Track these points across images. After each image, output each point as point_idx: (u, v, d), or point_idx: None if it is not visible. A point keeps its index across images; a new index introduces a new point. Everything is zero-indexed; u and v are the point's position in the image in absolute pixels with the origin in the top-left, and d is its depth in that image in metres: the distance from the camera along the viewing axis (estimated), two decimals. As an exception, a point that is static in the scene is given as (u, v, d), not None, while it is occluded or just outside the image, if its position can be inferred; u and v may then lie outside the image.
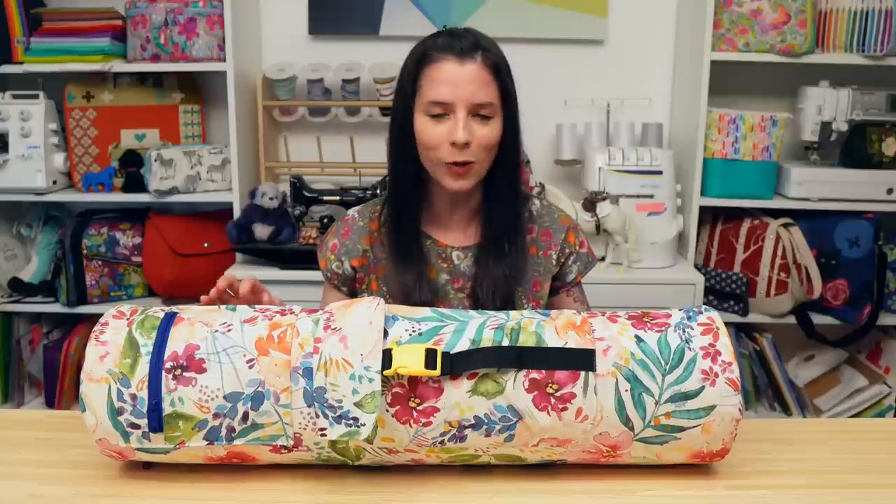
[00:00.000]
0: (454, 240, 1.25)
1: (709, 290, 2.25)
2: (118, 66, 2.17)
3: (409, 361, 0.83)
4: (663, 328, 0.89)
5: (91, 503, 0.86)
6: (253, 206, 2.16)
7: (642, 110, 2.37)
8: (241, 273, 2.11)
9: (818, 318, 2.22)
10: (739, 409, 0.86)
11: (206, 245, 2.29)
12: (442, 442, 0.87)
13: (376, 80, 2.26)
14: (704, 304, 2.17)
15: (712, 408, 0.86)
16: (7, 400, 2.34)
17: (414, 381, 0.85)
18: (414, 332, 0.87)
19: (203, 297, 1.05)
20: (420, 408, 0.85)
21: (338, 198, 2.19)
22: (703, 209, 2.24)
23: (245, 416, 0.85)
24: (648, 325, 0.90)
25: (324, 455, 0.89)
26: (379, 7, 2.33)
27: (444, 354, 0.85)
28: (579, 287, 1.32)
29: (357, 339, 0.84)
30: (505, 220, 1.21)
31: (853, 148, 2.22)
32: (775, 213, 2.22)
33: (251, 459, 0.90)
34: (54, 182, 2.24)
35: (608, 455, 0.89)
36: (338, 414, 0.82)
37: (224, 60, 2.15)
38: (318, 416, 0.82)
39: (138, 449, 0.87)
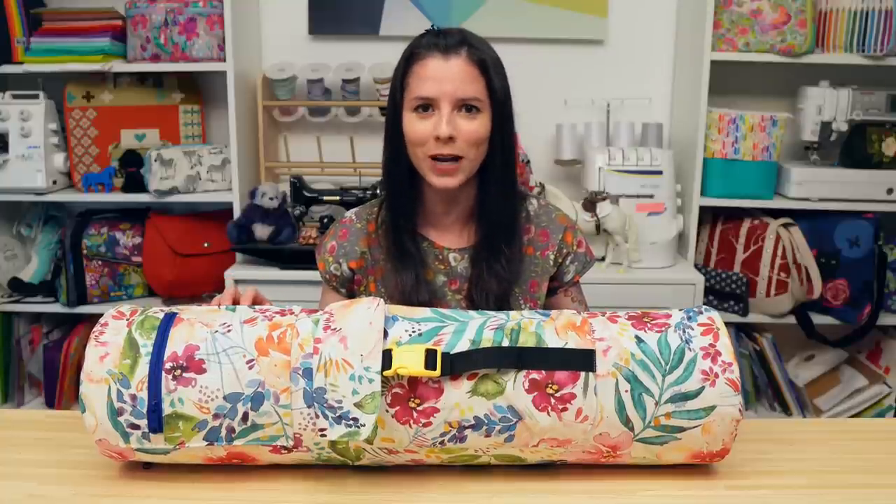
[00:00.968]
0: (451, 241, 1.25)
1: (709, 290, 2.25)
2: (118, 66, 2.17)
3: (409, 362, 0.83)
4: (663, 328, 0.89)
5: (91, 503, 0.86)
6: (253, 206, 2.16)
7: (642, 110, 2.37)
8: (242, 273, 2.11)
9: (818, 318, 2.22)
10: (739, 410, 0.86)
11: (206, 245, 2.29)
12: (442, 442, 0.87)
13: (376, 80, 2.26)
14: (704, 304, 2.17)
15: (712, 408, 0.86)
16: (7, 400, 2.34)
17: (414, 381, 0.85)
18: (414, 332, 0.87)
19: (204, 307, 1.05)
20: (420, 408, 0.85)
21: (338, 198, 2.19)
22: (703, 209, 2.24)
23: (245, 417, 0.85)
24: (648, 325, 0.90)
25: (324, 455, 0.89)
26: (379, 7, 2.33)
27: (444, 355, 0.85)
28: (577, 287, 1.32)
29: (357, 339, 0.84)
30: (499, 220, 1.21)
31: (853, 148, 2.22)
32: (775, 213, 2.22)
33: (251, 460, 0.90)
34: (54, 182, 2.24)
35: (608, 455, 0.89)
36: (338, 414, 0.82)
37: (224, 60, 2.15)
38: (318, 416, 0.82)
39: (138, 449, 0.87)
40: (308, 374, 0.83)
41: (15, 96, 2.20)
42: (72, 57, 2.14)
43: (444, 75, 1.12)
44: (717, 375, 0.86)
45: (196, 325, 0.88)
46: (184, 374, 0.85)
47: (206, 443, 0.86)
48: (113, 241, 2.28)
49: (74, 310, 2.24)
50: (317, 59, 2.32)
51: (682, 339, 0.88)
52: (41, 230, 2.37)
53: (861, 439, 1.04)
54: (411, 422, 0.85)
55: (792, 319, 2.21)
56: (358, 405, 0.82)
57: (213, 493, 0.88)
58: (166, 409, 0.84)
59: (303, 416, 0.84)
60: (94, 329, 0.88)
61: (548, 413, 0.85)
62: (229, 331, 0.87)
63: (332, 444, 0.87)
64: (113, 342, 0.86)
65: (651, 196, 2.17)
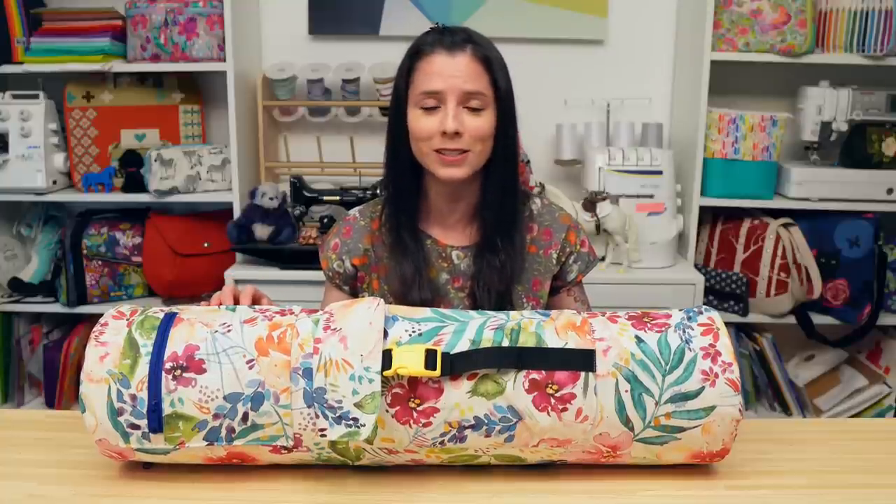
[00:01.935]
0: (454, 239, 1.25)
1: (709, 290, 2.25)
2: (118, 66, 2.17)
3: (409, 362, 0.83)
4: (663, 328, 0.89)
5: (91, 503, 0.86)
6: (253, 206, 2.16)
7: (642, 110, 2.37)
8: (242, 273, 2.11)
9: (818, 318, 2.22)
10: (739, 410, 0.86)
11: (206, 245, 2.29)
12: (442, 442, 0.87)
13: (376, 80, 2.26)
14: (704, 304, 2.17)
15: (712, 408, 0.86)
16: (7, 400, 2.34)
17: (414, 381, 0.85)
18: (414, 332, 0.87)
19: (202, 304, 1.05)
20: (420, 408, 0.85)
21: (338, 198, 2.19)
22: (703, 209, 2.24)
23: (245, 417, 0.85)
24: (648, 325, 0.90)
25: (324, 455, 0.89)
26: (379, 7, 2.33)
27: (444, 355, 0.85)
28: (580, 286, 1.32)
29: (357, 339, 0.84)
30: (502, 219, 1.21)
31: (853, 148, 2.22)
32: (775, 213, 2.22)
33: (251, 460, 0.90)
34: (54, 182, 2.24)
35: (608, 455, 0.89)
36: (338, 414, 0.82)
37: (224, 60, 2.15)
38: (317, 416, 0.82)
39: (138, 449, 0.87)
40: (308, 374, 0.83)
41: (15, 96, 2.20)
42: (72, 57, 2.14)
43: (450, 71, 1.13)
44: (717, 375, 0.86)
45: (196, 325, 0.88)
46: (184, 374, 0.85)
47: (206, 443, 0.86)
48: (113, 241, 2.28)
49: (74, 310, 2.24)
50: (317, 59, 2.32)
51: (682, 339, 0.88)
52: (41, 230, 2.37)
53: (861, 439, 1.04)
54: (411, 422, 0.85)
55: (792, 319, 2.21)
56: (358, 405, 0.82)
57: (213, 493, 0.88)
58: (166, 409, 0.84)
59: (303, 416, 0.84)
60: (94, 329, 0.88)
61: (548, 413, 0.85)
62: (229, 331, 0.87)
63: (332, 444, 0.87)
64: (113, 342, 0.86)
65: (651, 196, 2.17)
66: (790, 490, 0.89)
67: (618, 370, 0.86)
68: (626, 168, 2.16)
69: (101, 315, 0.92)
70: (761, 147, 2.16)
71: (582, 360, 0.85)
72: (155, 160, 2.17)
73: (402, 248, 1.22)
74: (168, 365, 0.85)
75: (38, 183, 2.19)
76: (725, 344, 0.88)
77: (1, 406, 2.31)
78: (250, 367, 0.85)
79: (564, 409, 0.85)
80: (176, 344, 0.86)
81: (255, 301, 1.06)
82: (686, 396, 0.86)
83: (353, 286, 1.29)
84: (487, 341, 0.87)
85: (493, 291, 1.20)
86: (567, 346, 0.86)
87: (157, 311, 0.91)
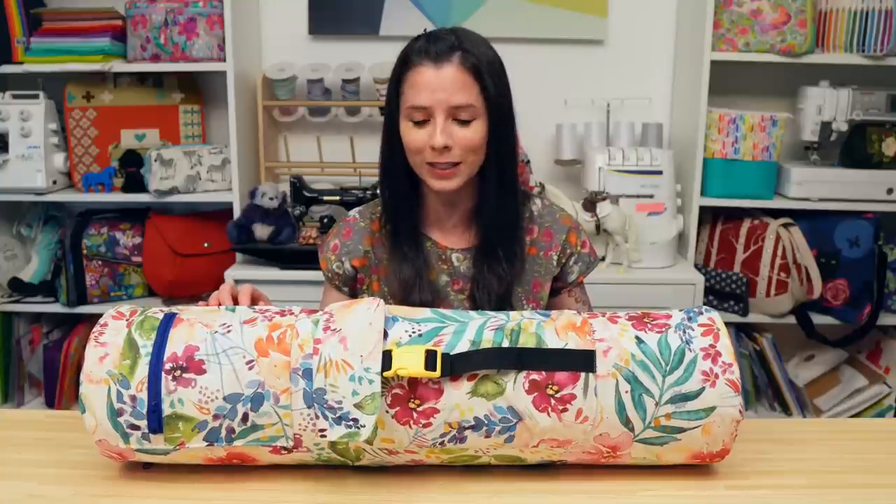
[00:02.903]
0: (454, 242, 1.25)
1: (709, 290, 2.25)
2: (118, 66, 2.17)
3: (409, 362, 0.83)
4: (664, 329, 0.89)
5: (91, 503, 0.86)
6: (253, 206, 2.16)
7: (642, 110, 2.37)
8: (242, 273, 2.11)
9: (818, 318, 2.22)
10: (740, 411, 0.86)
11: (206, 245, 2.29)
12: (442, 443, 0.87)
13: (376, 80, 2.26)
14: (704, 304, 2.17)
15: (712, 409, 0.86)
16: (7, 400, 2.34)
17: (414, 382, 0.85)
18: (414, 333, 0.87)
19: (201, 304, 1.05)
20: (420, 409, 0.85)
21: (338, 198, 2.19)
22: (703, 209, 2.24)
23: (245, 418, 0.85)
24: (649, 325, 0.90)
25: (324, 456, 0.89)
26: (379, 7, 2.33)
27: (444, 356, 0.85)
28: (581, 287, 1.32)
29: (357, 340, 0.84)
30: (500, 221, 1.20)
31: (853, 148, 2.22)
32: (775, 213, 2.21)
33: (251, 460, 0.90)
34: (54, 182, 2.24)
35: (608, 456, 0.89)
36: (338, 415, 0.82)
37: (224, 60, 2.15)
38: (317, 417, 0.82)
39: (138, 450, 0.87)
40: (308, 374, 0.83)
41: (15, 96, 2.20)
42: (72, 57, 2.14)
43: (437, 84, 1.11)
44: (717, 376, 0.86)
45: (196, 326, 0.88)
46: (184, 375, 0.85)
47: (206, 443, 0.86)
48: (113, 241, 2.28)
49: (74, 310, 2.24)
50: (317, 59, 2.32)
51: (682, 339, 0.88)
52: (41, 230, 2.37)
53: (861, 439, 1.04)
54: (411, 422, 0.85)
55: (792, 319, 2.21)
56: (358, 406, 0.82)
57: (213, 493, 0.88)
58: (166, 410, 0.84)
59: (303, 417, 0.84)
60: (94, 329, 0.88)
61: (548, 414, 0.85)
62: (229, 331, 0.87)
63: (332, 444, 0.87)
64: (113, 343, 0.86)
65: (651, 196, 2.17)
66: (790, 490, 0.89)
67: (618, 371, 0.86)
68: (626, 168, 2.16)
69: (101, 315, 0.92)
70: (761, 147, 2.16)
71: (582, 361, 0.85)
72: (155, 160, 2.17)
73: (401, 252, 1.21)
74: (168, 365, 0.85)
75: (38, 183, 2.19)
76: (726, 344, 0.88)
77: (1, 406, 2.31)
78: (250, 368, 0.85)
79: (564, 410, 0.85)
80: (176, 344, 0.86)
81: (254, 301, 1.06)
82: (686, 397, 0.86)
83: (352, 287, 1.29)
84: (487, 342, 0.87)
85: (493, 294, 1.20)
86: (567, 347, 0.86)
87: (157, 311, 0.91)
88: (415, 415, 0.85)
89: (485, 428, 0.86)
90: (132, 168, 2.23)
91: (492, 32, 1.24)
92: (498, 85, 1.15)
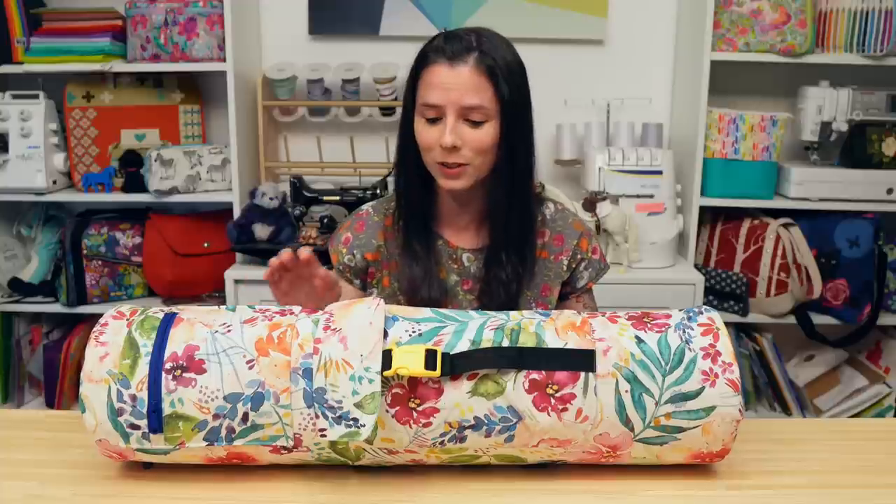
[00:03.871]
0: (465, 241, 1.25)
1: (709, 290, 2.25)
2: (118, 66, 2.17)
3: (409, 362, 0.83)
4: (663, 329, 0.89)
5: (91, 503, 0.86)
6: (253, 206, 2.16)
7: (642, 110, 2.37)
8: (242, 273, 2.11)
9: (818, 318, 2.22)
10: (740, 410, 0.86)
11: (206, 245, 2.29)
12: (442, 442, 0.87)
13: (376, 80, 2.26)
14: (704, 304, 2.17)
15: (712, 408, 0.86)
16: (7, 400, 2.34)
17: (414, 381, 0.85)
18: (414, 332, 0.87)
19: (272, 262, 1.04)
20: (420, 408, 0.85)
21: (338, 198, 2.19)
22: (703, 209, 2.24)
23: (245, 417, 0.85)
24: (648, 325, 0.90)
25: (324, 456, 0.89)
26: (379, 7, 2.33)
27: (444, 355, 0.85)
28: (590, 294, 1.32)
29: (357, 339, 0.84)
30: (510, 224, 1.20)
31: (853, 148, 2.22)
32: (775, 213, 2.22)
33: (251, 460, 0.90)
34: (54, 182, 2.24)
35: (608, 455, 0.89)
36: (338, 415, 0.82)
37: (224, 60, 2.15)
38: (317, 416, 0.82)
39: (138, 450, 0.87)
40: (308, 374, 0.83)
41: (15, 96, 2.20)
42: (72, 57, 2.14)
43: (450, 83, 1.11)
44: (717, 376, 0.86)
45: (196, 325, 0.88)
46: (184, 375, 0.84)
47: (207, 443, 0.86)
48: (113, 241, 2.28)
49: (74, 310, 2.24)
50: (317, 59, 2.32)
51: (682, 339, 0.88)
52: (41, 230, 2.37)
53: (861, 439, 1.04)
54: (411, 422, 0.85)
55: (792, 319, 2.21)
56: (358, 405, 0.82)
57: (213, 493, 0.88)
58: (166, 410, 0.84)
59: (303, 417, 0.84)
60: (94, 329, 0.88)
61: (548, 413, 0.85)
62: (229, 331, 0.87)
63: (332, 444, 0.87)
64: (113, 342, 0.86)
65: (651, 196, 2.17)
66: (790, 490, 0.89)
67: (618, 370, 0.86)
68: (626, 168, 2.16)
69: (101, 315, 0.92)
70: (761, 147, 2.16)
71: (582, 361, 0.85)
72: (155, 160, 2.17)
73: (412, 251, 1.21)
74: (168, 365, 0.85)
75: (38, 183, 2.19)
76: (725, 344, 0.88)
77: (1, 406, 2.31)
78: (250, 368, 0.85)
79: (564, 410, 0.85)
80: (176, 344, 0.86)
81: (311, 264, 1.05)
82: (686, 397, 0.86)
83: (363, 279, 1.29)
84: (487, 341, 0.87)
85: (502, 297, 1.20)
86: (567, 347, 0.86)
87: (157, 311, 0.91)
88: (415, 414, 0.85)
89: (485, 427, 0.86)
90: (132, 168, 2.23)
91: (491, 33, 1.24)
92: (514, 88, 1.14)
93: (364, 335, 0.84)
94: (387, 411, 0.85)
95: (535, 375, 0.85)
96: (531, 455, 0.89)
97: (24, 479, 0.90)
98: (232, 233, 2.14)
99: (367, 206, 1.31)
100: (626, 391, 0.85)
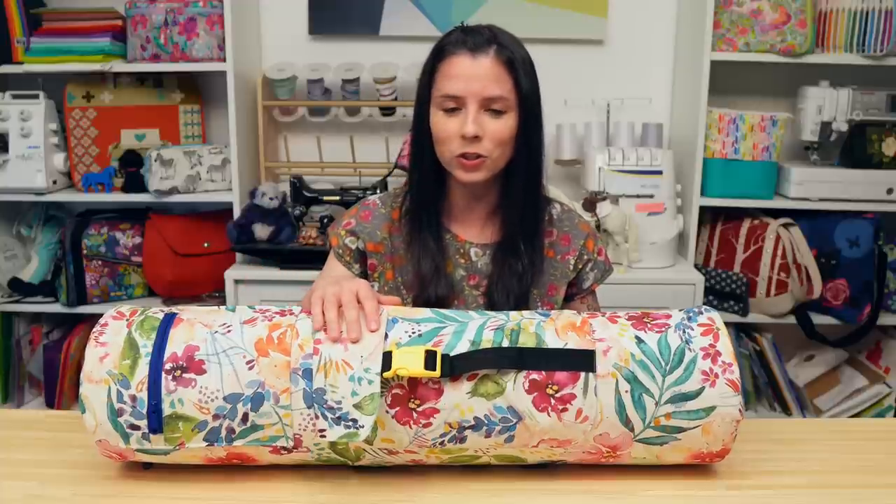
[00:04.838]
0: (473, 236, 1.25)
1: (709, 290, 2.25)
2: (118, 66, 2.17)
3: (409, 363, 0.83)
4: (663, 329, 0.89)
5: (91, 503, 0.86)
6: (253, 206, 2.16)
7: (642, 110, 2.37)
8: (242, 273, 2.11)
9: (818, 318, 2.22)
10: (740, 410, 0.86)
11: (206, 245, 2.29)
12: (442, 443, 0.87)
13: (376, 80, 2.26)
14: (704, 304, 2.17)
15: (712, 408, 0.86)
16: (7, 400, 2.34)
17: (414, 382, 0.85)
18: (414, 333, 0.87)
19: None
20: (420, 409, 0.85)
21: (338, 198, 2.19)
22: (703, 209, 2.24)
23: (245, 418, 0.85)
24: (648, 325, 0.90)
25: (324, 456, 0.89)
26: (379, 7, 2.33)
27: (444, 356, 0.85)
28: (594, 295, 1.32)
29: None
30: (522, 219, 1.20)
31: (853, 148, 2.22)
32: (775, 213, 2.21)
33: (251, 460, 0.90)
34: (54, 182, 2.24)
35: (608, 455, 0.89)
36: (337, 415, 0.82)
37: (224, 60, 2.15)
38: (317, 417, 0.82)
39: (138, 450, 0.87)
40: (308, 374, 0.84)
41: (15, 96, 2.20)
42: (72, 57, 2.14)
43: (472, 74, 1.12)
44: (717, 376, 0.86)
45: (196, 326, 0.88)
46: (184, 375, 0.85)
47: (206, 443, 0.86)
48: (113, 241, 2.28)
49: (74, 310, 2.24)
50: (317, 59, 2.32)
51: (682, 339, 0.88)
52: (41, 230, 2.37)
53: (861, 439, 1.04)
54: (411, 422, 0.85)
55: (792, 319, 2.21)
56: (357, 406, 0.82)
57: (213, 493, 0.88)
58: (166, 410, 0.84)
59: (302, 417, 0.84)
60: (94, 329, 0.88)
61: (548, 413, 0.85)
62: (229, 331, 0.87)
63: (332, 444, 0.87)
64: (113, 342, 0.86)
65: (651, 196, 2.17)
66: (790, 490, 0.89)
67: (618, 370, 0.86)
68: (626, 168, 2.16)
69: (101, 315, 0.92)
70: (761, 147, 2.16)
71: (582, 361, 0.85)
72: (155, 160, 2.17)
73: (422, 246, 1.21)
74: (168, 365, 0.85)
75: (38, 183, 2.19)
76: (725, 344, 0.88)
77: (1, 406, 2.31)
78: (250, 368, 0.85)
79: (564, 410, 0.85)
80: (176, 344, 0.86)
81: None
82: (686, 397, 0.86)
83: (362, 265, 1.27)
84: (487, 342, 0.87)
85: (512, 294, 1.19)
86: (567, 347, 0.86)
87: (157, 311, 0.91)
88: (415, 415, 0.85)
89: (485, 428, 0.86)
90: (132, 168, 2.23)
91: (492, 32, 1.24)
92: (531, 83, 1.15)
93: (364, 336, 0.85)
94: (387, 412, 0.85)
95: (535, 376, 0.85)
96: (531, 455, 0.89)
97: (24, 479, 0.90)
98: (232, 233, 2.14)
99: (374, 197, 1.30)
100: (626, 391, 0.85)
